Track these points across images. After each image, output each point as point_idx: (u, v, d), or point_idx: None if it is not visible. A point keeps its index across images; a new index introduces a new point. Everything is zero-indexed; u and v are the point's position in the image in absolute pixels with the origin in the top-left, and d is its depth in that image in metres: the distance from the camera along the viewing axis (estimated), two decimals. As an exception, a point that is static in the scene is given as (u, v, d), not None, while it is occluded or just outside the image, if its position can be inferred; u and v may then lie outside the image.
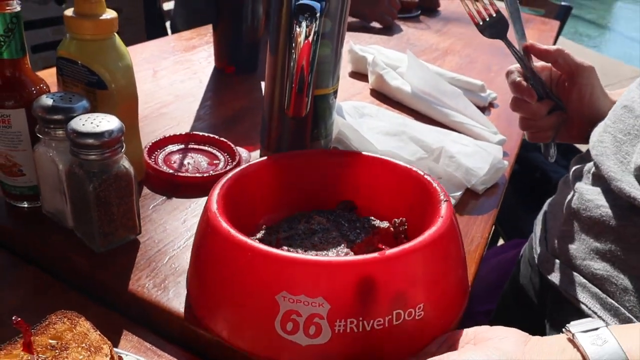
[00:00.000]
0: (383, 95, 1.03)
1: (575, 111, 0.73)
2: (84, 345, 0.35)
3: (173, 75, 1.02)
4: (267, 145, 0.68)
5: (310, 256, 0.44)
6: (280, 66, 0.67)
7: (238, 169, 0.53)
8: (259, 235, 0.51)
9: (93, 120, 0.49)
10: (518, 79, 0.72)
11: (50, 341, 0.35)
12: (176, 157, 0.71)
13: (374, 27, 1.52)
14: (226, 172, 0.54)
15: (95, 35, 0.56)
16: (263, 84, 0.85)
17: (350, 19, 1.52)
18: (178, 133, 0.75)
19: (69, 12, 0.56)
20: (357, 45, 1.16)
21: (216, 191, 0.48)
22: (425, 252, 0.43)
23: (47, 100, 0.51)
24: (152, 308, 0.49)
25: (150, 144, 0.71)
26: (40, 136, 0.52)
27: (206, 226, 0.45)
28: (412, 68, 1.01)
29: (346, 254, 0.48)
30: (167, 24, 1.90)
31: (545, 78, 0.74)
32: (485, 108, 1.05)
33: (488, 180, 0.73)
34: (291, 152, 0.60)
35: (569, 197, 0.69)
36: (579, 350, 0.37)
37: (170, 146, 0.73)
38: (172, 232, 0.58)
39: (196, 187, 0.66)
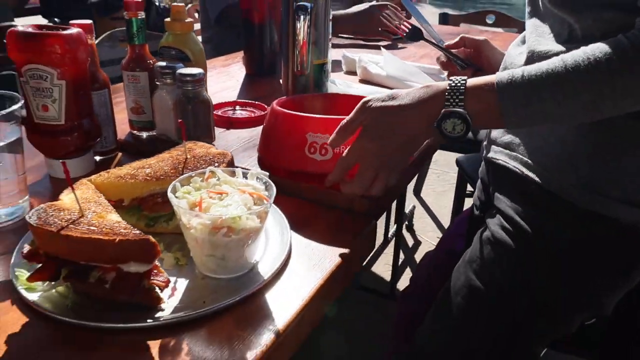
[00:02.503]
0: (367, 82, 1.43)
1: (489, 70, 1.12)
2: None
3: (218, 79, 1.44)
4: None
5: (323, 116, 0.82)
6: (291, 50, 1.09)
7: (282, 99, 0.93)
8: None
9: (188, 70, 0.89)
10: (442, 59, 1.12)
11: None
12: (229, 112, 1.12)
13: (367, 44, 1.94)
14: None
15: (182, 31, 0.98)
16: (281, 81, 1.24)
17: (352, 40, 1.95)
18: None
19: (168, 19, 0.98)
20: (348, 52, 1.57)
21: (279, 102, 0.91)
22: None
23: (162, 63, 0.92)
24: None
25: (214, 105, 1.11)
26: (158, 83, 0.92)
27: (274, 113, 0.87)
28: (387, 60, 1.41)
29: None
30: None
31: (462, 56, 1.14)
32: (445, 85, 1.43)
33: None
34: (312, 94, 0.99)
35: None
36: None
37: (224, 108, 1.14)
38: (232, 141, 0.98)
39: (243, 123, 1.06)
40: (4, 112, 0.67)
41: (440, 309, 0.90)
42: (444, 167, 3.42)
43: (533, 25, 0.85)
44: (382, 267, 2.38)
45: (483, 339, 0.85)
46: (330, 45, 1.12)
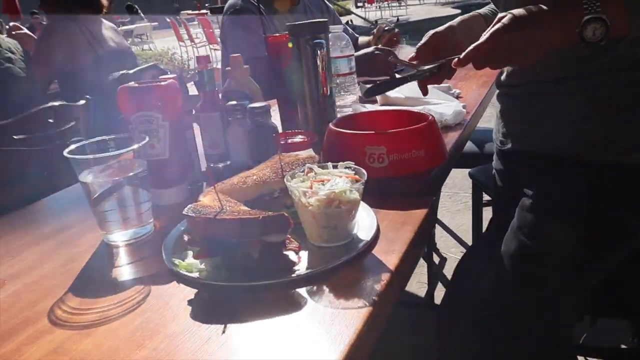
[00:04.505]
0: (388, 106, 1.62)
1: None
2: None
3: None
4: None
5: (378, 131, 1.00)
6: (314, 79, 1.27)
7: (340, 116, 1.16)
8: None
9: (257, 103, 1.08)
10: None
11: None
12: (282, 140, 1.30)
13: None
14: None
15: (241, 76, 1.17)
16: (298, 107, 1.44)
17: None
18: (278, 133, 1.35)
19: (228, 68, 1.18)
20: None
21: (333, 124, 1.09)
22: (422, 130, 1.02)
23: (232, 102, 1.11)
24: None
25: (267, 137, 1.30)
26: (231, 119, 1.11)
27: (334, 133, 1.05)
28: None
29: None
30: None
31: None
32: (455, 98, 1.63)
33: (453, 118, 1.30)
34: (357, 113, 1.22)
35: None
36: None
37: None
38: (296, 159, 1.15)
39: (298, 146, 1.23)
40: (140, 144, 0.85)
41: (496, 273, 1.05)
42: (453, 188, 3.60)
43: None
44: (416, 285, 2.51)
45: (539, 292, 1.00)
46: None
